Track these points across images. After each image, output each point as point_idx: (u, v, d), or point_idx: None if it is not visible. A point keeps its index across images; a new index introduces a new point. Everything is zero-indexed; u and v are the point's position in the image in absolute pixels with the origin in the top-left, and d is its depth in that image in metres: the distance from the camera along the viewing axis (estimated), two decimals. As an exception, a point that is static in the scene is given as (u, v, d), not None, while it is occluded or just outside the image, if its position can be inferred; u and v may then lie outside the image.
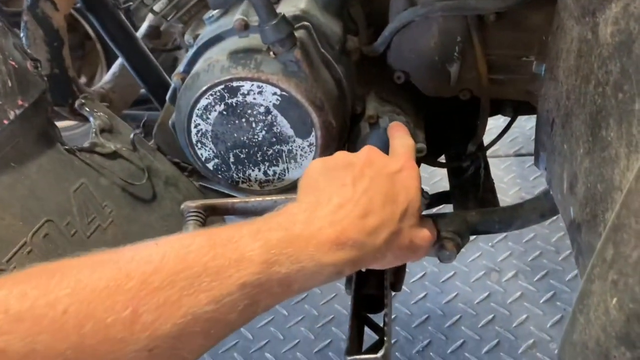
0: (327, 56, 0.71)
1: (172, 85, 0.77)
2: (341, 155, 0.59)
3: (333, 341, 1.16)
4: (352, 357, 0.56)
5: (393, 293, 0.70)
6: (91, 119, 0.86)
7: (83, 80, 1.67)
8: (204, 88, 0.68)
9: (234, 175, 0.75)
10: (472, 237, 1.23)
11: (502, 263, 1.29)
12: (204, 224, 0.70)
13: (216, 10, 0.75)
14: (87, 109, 0.87)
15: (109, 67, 1.62)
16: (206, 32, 0.74)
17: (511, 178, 1.55)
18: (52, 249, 0.71)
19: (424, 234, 0.59)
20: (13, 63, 0.74)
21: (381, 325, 0.63)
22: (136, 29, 1.12)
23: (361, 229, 0.50)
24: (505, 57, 0.72)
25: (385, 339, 0.59)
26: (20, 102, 0.73)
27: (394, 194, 0.55)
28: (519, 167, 1.60)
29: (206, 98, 0.69)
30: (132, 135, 0.85)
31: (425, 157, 0.81)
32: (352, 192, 0.52)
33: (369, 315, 0.67)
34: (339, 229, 0.48)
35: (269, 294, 0.44)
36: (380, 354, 0.55)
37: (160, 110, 1.11)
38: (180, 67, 0.76)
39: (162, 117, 0.89)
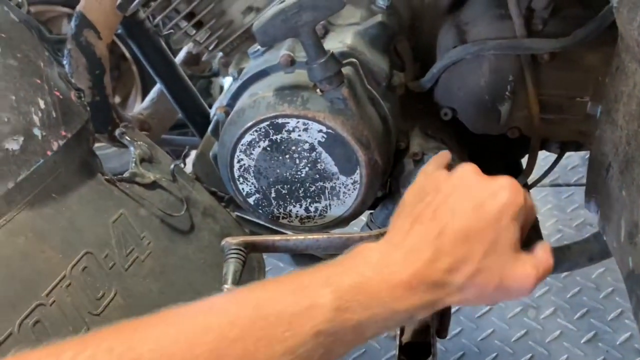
0: (373, 93, 0.70)
1: (215, 117, 0.77)
2: (431, 180, 0.54)
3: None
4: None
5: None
6: (131, 148, 0.86)
7: (117, 100, 1.69)
8: (249, 124, 0.67)
9: (275, 210, 0.74)
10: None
11: (539, 299, 1.25)
12: (244, 261, 0.68)
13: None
14: (128, 138, 0.87)
15: (144, 88, 1.64)
16: (251, 66, 0.74)
17: (548, 209, 1.51)
18: (90, 282, 0.70)
19: (519, 273, 0.50)
20: (57, 93, 0.74)
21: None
22: (173, 53, 1.13)
23: (433, 272, 0.46)
24: (558, 97, 0.70)
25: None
26: (63, 133, 0.73)
27: (478, 229, 0.48)
28: (555, 198, 1.57)
29: (251, 134, 0.68)
30: (172, 166, 0.84)
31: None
32: (426, 230, 0.48)
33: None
34: (410, 272, 0.46)
35: (342, 342, 0.43)
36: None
37: (196, 135, 1.12)
38: (224, 100, 0.76)
39: (201, 147, 0.88)
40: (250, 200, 0.74)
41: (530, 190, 0.98)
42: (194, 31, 0.88)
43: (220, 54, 0.90)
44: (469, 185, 0.52)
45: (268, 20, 0.60)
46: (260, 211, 0.74)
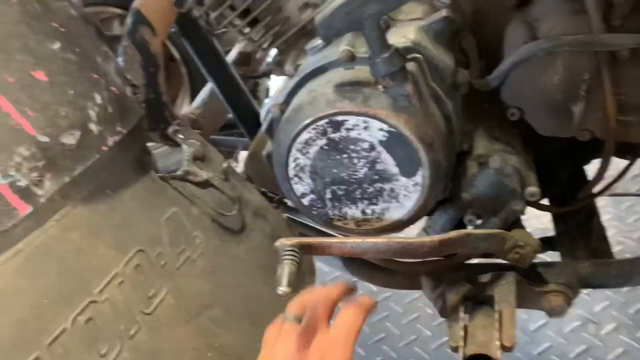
0: (437, 91, 0.67)
1: (270, 115, 0.75)
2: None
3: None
4: None
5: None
6: (184, 146, 0.85)
7: (166, 101, 1.70)
8: (306, 122, 0.65)
9: (330, 212, 0.71)
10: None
11: (600, 314, 1.19)
12: (299, 263, 0.66)
13: (319, 41, 0.72)
14: (181, 136, 0.86)
15: (192, 89, 1.65)
16: (309, 62, 0.71)
17: (607, 220, 1.43)
18: (142, 280, 0.69)
19: None
20: (114, 89, 0.74)
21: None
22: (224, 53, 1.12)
23: None
24: (637, 97, 0.65)
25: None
26: (118, 129, 0.72)
27: None
28: (615, 208, 1.49)
29: (308, 132, 0.65)
30: (225, 165, 0.83)
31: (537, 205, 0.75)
32: None
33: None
34: None
35: None
36: None
37: (246, 136, 1.10)
38: (279, 98, 0.74)
39: (254, 146, 0.86)
40: (304, 200, 0.71)
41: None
42: (248, 29, 0.87)
43: (274, 51, 0.88)
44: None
45: (331, 12, 0.58)
46: (314, 212, 0.72)
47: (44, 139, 0.63)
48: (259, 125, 0.98)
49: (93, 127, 0.69)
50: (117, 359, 0.62)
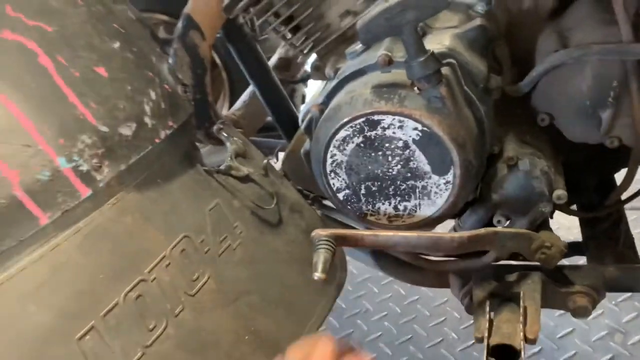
0: (470, 94, 0.70)
1: (309, 115, 0.79)
2: None
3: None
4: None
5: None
6: (227, 143, 0.90)
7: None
8: (344, 120, 0.69)
9: (363, 207, 0.75)
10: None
11: (627, 325, 1.19)
12: (334, 252, 0.70)
13: (359, 46, 0.77)
14: (225, 134, 0.91)
15: (231, 94, 1.72)
16: (348, 66, 0.76)
17: (637, 233, 1.43)
18: (187, 264, 0.74)
19: None
20: (166, 87, 0.79)
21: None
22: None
23: None
24: (665, 105, 0.67)
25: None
26: (170, 124, 0.78)
27: None
28: (645, 221, 1.48)
29: (345, 130, 0.70)
30: (265, 161, 0.88)
31: (559, 205, 0.77)
32: None
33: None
34: None
35: None
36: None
37: (283, 137, 1.15)
38: (319, 99, 0.78)
39: (292, 145, 0.91)
40: (340, 195, 0.75)
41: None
42: (290, 35, 0.92)
43: (313, 57, 0.93)
44: None
45: (372, 18, 0.62)
46: (349, 207, 0.76)
47: (104, 129, 0.68)
48: (296, 127, 1.03)
49: (147, 120, 0.74)
50: (163, 334, 0.67)
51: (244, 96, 1.18)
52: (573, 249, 0.89)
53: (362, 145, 0.70)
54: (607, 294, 1.23)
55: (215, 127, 0.92)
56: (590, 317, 1.21)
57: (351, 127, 0.69)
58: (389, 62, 0.70)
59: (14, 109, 0.62)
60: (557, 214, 0.82)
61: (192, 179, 0.81)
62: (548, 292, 0.76)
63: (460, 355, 1.12)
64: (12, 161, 0.60)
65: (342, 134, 0.70)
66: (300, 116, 1.03)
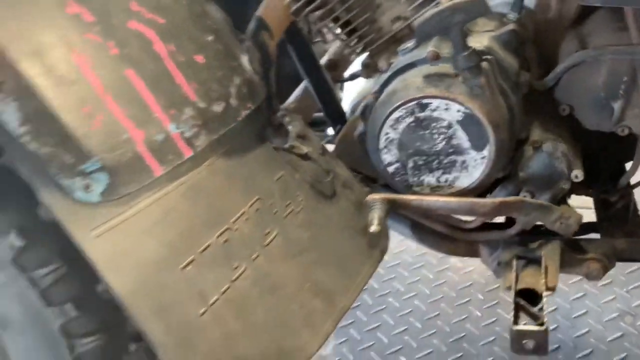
0: (503, 86, 0.84)
1: (365, 101, 0.94)
2: None
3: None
4: (518, 327, 0.66)
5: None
6: (290, 126, 1.05)
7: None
8: (399, 103, 0.83)
9: (410, 179, 0.89)
10: (607, 280, 1.28)
11: (637, 308, 1.30)
12: (386, 214, 0.84)
13: (410, 44, 0.91)
14: (287, 118, 1.06)
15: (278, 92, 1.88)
16: (400, 60, 0.91)
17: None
18: (260, 221, 0.88)
19: None
20: (246, 75, 0.95)
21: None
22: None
23: None
24: (667, 97, 0.81)
25: (543, 321, 0.68)
26: (249, 105, 0.93)
27: None
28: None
29: (399, 111, 0.84)
30: (323, 142, 1.02)
31: (577, 188, 0.91)
32: None
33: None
34: None
35: None
36: (542, 328, 0.65)
37: (332, 129, 1.30)
38: (375, 87, 0.93)
39: (345, 129, 1.06)
40: (390, 169, 0.90)
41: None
42: (346, 37, 1.07)
43: (363, 56, 1.08)
44: None
45: (427, 19, 0.77)
46: (397, 179, 0.90)
47: (202, 105, 0.84)
48: (343, 119, 1.18)
49: (232, 101, 0.90)
50: (243, 274, 0.81)
51: (298, 91, 1.33)
52: (588, 228, 1.02)
53: (412, 124, 0.84)
54: (620, 281, 1.35)
55: (279, 113, 1.08)
56: (603, 301, 1.34)
57: (404, 109, 0.84)
58: (436, 57, 0.84)
59: (138, 83, 0.77)
60: (573, 202, 0.95)
61: (263, 153, 0.96)
62: (565, 257, 0.90)
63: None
64: (137, 124, 0.75)
65: (396, 114, 0.84)
66: (348, 108, 1.18)
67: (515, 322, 0.71)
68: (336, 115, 1.26)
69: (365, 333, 1.32)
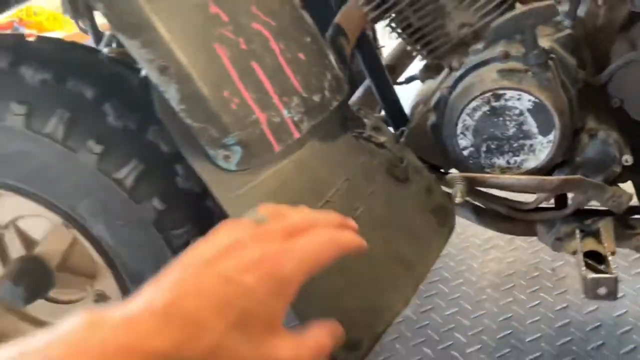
0: (565, 81, 0.98)
1: (439, 94, 1.08)
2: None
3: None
4: (593, 276, 0.79)
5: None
6: (365, 120, 1.19)
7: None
8: (477, 93, 0.97)
9: (482, 161, 1.02)
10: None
11: (671, 293, 1.42)
12: (467, 190, 0.97)
13: (480, 45, 1.05)
14: (362, 112, 1.20)
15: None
16: (473, 59, 1.04)
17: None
18: (349, 196, 1.01)
19: (273, 355, 0.41)
20: (335, 72, 1.09)
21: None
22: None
23: (154, 343, 0.37)
24: None
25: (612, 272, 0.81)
26: (338, 97, 1.07)
27: (222, 300, 0.40)
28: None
29: (476, 101, 0.98)
30: (397, 132, 1.16)
31: (623, 174, 1.04)
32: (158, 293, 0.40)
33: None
34: (122, 342, 0.36)
35: None
36: (613, 275, 0.78)
37: (392, 127, 1.44)
38: (449, 82, 1.07)
39: (416, 122, 1.19)
40: (465, 152, 1.03)
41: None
42: (414, 41, 1.21)
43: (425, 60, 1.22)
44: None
45: (504, 21, 0.91)
46: (471, 162, 1.03)
47: (305, 95, 0.97)
48: (404, 120, 1.32)
49: (327, 93, 1.03)
50: (342, 239, 0.94)
51: (359, 92, 1.48)
52: (633, 210, 1.14)
53: (487, 112, 0.98)
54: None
55: (355, 107, 1.21)
56: (638, 285, 1.45)
57: (481, 99, 0.97)
58: (507, 56, 0.98)
59: (261, 74, 0.91)
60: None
61: (347, 141, 1.10)
62: (617, 233, 1.02)
63: (559, 349, 1.32)
64: (261, 107, 0.89)
65: (473, 104, 0.98)
66: (409, 108, 1.32)
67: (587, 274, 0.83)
68: (397, 115, 1.40)
69: (411, 348, 1.41)
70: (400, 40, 1.51)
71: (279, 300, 0.43)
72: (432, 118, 1.10)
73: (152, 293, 0.39)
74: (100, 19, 1.38)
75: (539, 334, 1.34)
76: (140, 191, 0.86)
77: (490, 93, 0.96)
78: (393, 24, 1.18)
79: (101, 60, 0.93)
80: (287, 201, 0.91)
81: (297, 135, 0.94)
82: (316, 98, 1.00)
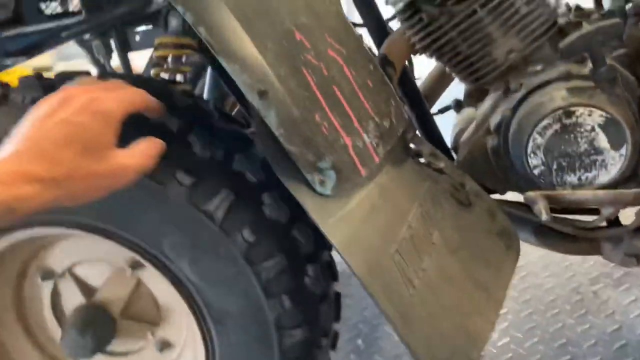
0: (628, 96, 1.01)
1: (501, 116, 1.09)
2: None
3: None
4: None
5: None
6: (421, 147, 1.19)
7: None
8: (547, 112, 0.98)
9: (554, 179, 1.03)
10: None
11: None
12: (550, 209, 0.97)
13: (538, 67, 1.08)
14: (416, 139, 1.20)
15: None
16: (532, 81, 1.06)
17: None
18: (424, 221, 1.00)
19: (108, 167, 0.57)
20: (397, 99, 1.09)
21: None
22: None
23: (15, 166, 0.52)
24: None
25: None
26: (402, 123, 1.07)
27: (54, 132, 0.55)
28: None
29: (547, 119, 0.99)
30: (455, 160, 1.16)
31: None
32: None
33: None
34: None
35: None
36: None
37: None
38: (509, 105, 1.08)
39: (470, 147, 1.20)
40: (535, 171, 1.03)
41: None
42: (461, 68, 1.23)
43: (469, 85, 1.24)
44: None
45: (574, 39, 0.94)
46: (542, 180, 1.03)
47: (377, 119, 0.97)
48: (444, 147, 1.32)
49: (393, 119, 1.03)
50: (427, 264, 0.92)
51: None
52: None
53: (558, 130, 0.99)
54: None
55: (410, 135, 1.22)
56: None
57: (552, 117, 0.98)
58: (570, 75, 1.00)
59: (342, 99, 0.90)
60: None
61: (411, 166, 1.09)
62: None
63: (613, 355, 1.32)
64: (346, 132, 0.88)
65: (544, 122, 0.99)
66: (452, 135, 1.33)
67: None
68: (437, 144, 1.41)
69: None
70: (430, 70, 1.55)
71: (109, 128, 0.58)
72: (492, 141, 1.11)
73: (14, 144, 0.54)
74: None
75: (598, 357, 1.33)
76: (230, 223, 0.83)
77: (561, 110, 0.98)
78: (439, 53, 1.20)
79: (174, 91, 0.91)
80: (379, 226, 0.90)
81: (377, 159, 0.93)
82: (386, 124, 1.00)
